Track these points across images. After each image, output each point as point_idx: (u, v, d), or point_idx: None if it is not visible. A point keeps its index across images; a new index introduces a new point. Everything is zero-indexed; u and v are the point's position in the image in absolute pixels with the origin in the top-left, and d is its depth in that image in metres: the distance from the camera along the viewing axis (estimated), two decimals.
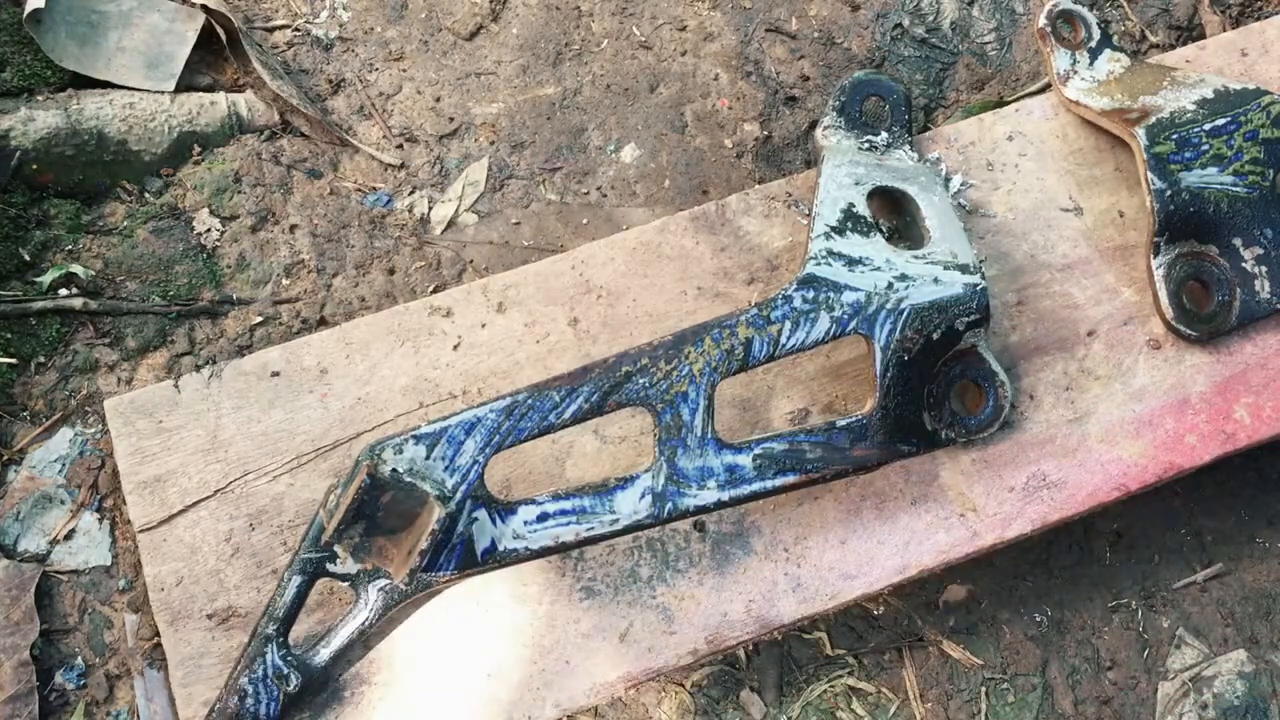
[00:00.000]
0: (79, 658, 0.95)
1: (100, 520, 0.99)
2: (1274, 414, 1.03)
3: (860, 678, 0.99)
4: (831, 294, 0.95)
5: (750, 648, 0.99)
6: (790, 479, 0.95)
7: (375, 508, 0.88)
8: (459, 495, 0.89)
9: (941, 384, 0.99)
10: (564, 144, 1.16)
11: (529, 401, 0.91)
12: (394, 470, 0.88)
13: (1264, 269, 1.04)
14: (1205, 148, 1.03)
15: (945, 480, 1.00)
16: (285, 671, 0.90)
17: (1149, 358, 1.04)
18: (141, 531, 0.95)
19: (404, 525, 0.88)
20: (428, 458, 0.90)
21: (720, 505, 0.95)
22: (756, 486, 0.94)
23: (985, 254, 1.07)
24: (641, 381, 0.92)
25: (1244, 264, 1.04)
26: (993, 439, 1.01)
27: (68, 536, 0.98)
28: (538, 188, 1.15)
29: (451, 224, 1.14)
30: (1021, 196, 1.09)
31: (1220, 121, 1.04)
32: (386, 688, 0.93)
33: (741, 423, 1.01)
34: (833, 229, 0.98)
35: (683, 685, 0.98)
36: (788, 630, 0.96)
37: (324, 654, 0.91)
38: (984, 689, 1.00)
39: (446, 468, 0.90)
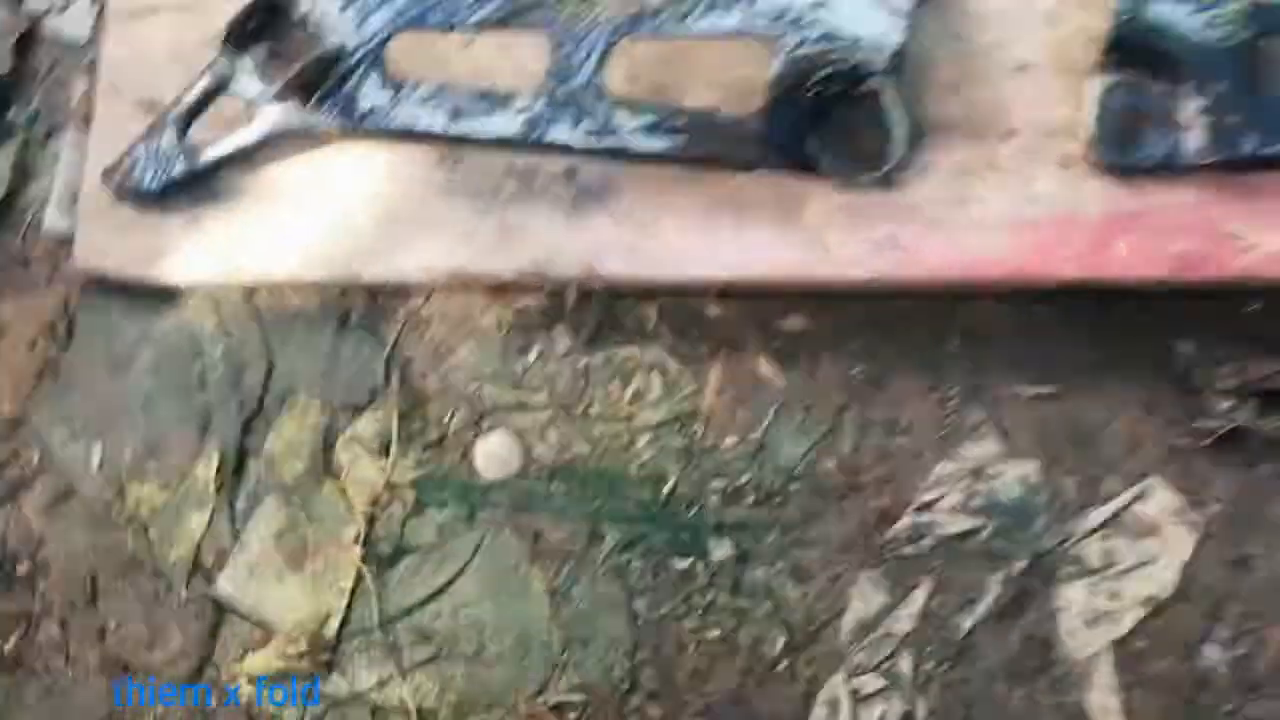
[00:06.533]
0: (34, 104, 1.10)
1: (92, 4, 1.13)
2: (1155, 257, 1.01)
3: (670, 357, 1.06)
4: None
5: (579, 297, 1.06)
6: (660, 144, 1.01)
7: (281, 36, 0.99)
8: (359, 52, 1.00)
9: (838, 119, 1.03)
10: None
11: None
12: (307, 14, 0.99)
13: (1204, 121, 1.02)
14: None
15: (809, 214, 1.03)
16: (174, 154, 1.03)
17: (1056, 172, 1.04)
18: (114, 21, 1.09)
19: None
20: (339, 13, 1.00)
21: (589, 151, 1.02)
22: (626, 142, 1.01)
23: (946, 32, 1.07)
24: (546, 11, 0.99)
25: (1185, 111, 1.02)
26: (868, 190, 1.04)
27: (63, 8, 1.13)
28: None
29: None
30: None
31: None
32: (255, 203, 1.05)
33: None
34: None
35: (510, 305, 1.06)
36: (610, 286, 1.04)
37: (210, 153, 1.03)
38: (776, 407, 1.05)
39: (354, 28, 1.00)
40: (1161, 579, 1.02)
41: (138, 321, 1.04)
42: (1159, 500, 1.04)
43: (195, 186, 1.04)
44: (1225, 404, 1.04)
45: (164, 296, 1.05)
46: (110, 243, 1.04)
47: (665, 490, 1.03)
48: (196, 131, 1.03)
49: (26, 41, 1.11)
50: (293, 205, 1.05)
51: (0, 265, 1.06)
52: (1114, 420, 1.06)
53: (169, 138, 1.02)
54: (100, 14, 1.13)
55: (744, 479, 1.03)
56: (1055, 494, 1.04)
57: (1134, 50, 1.02)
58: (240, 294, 1.05)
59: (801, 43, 0.98)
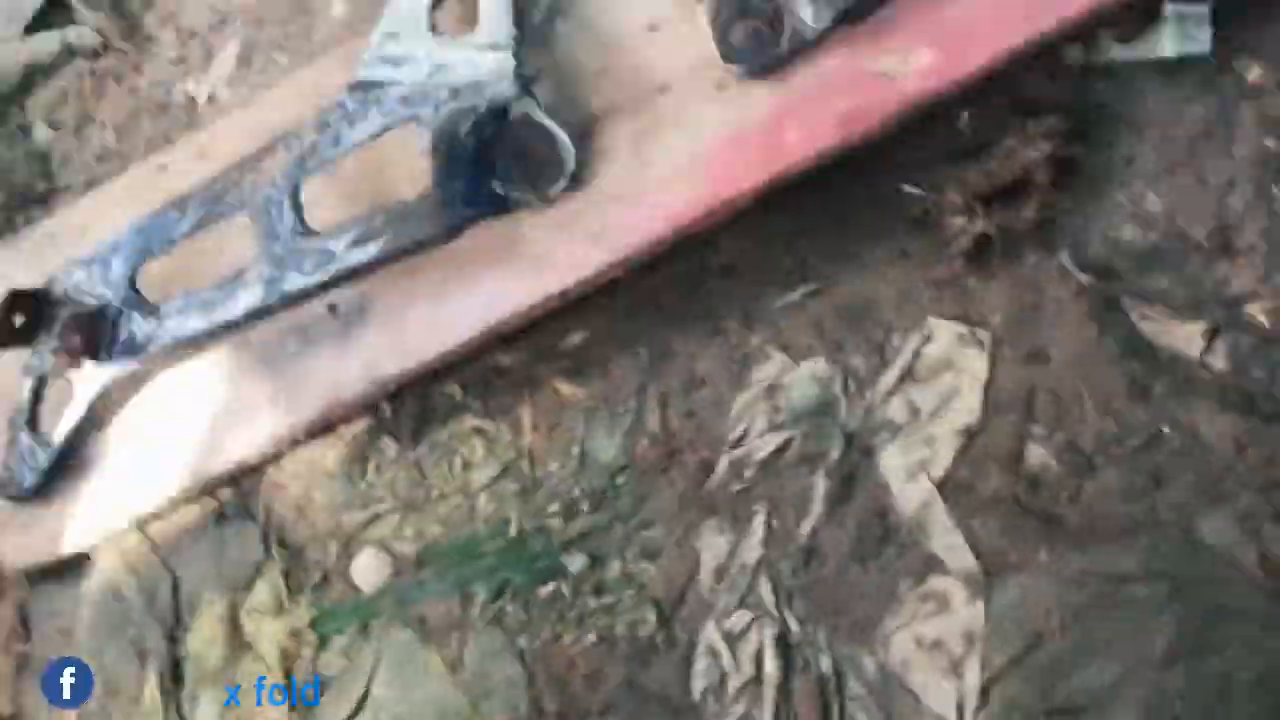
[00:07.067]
0: None
1: None
2: (824, 130, 1.05)
3: (483, 418, 1.15)
4: (379, 92, 1.10)
5: (396, 404, 1.17)
6: (371, 252, 1.12)
7: (54, 317, 1.16)
8: (116, 303, 1.16)
9: (508, 152, 1.11)
10: (291, 18, 1.37)
11: (152, 223, 1.15)
12: (65, 289, 1.16)
13: None
14: None
15: (526, 241, 1.12)
16: (35, 449, 1.20)
17: (716, 100, 1.10)
18: None
19: None
20: (89, 278, 1.16)
21: (323, 285, 1.14)
22: (346, 263, 1.12)
23: (577, 41, 1.15)
24: (234, 195, 1.13)
25: None
26: (568, 198, 1.11)
27: None
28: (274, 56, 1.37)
29: (211, 100, 1.38)
30: None
31: None
32: (115, 454, 1.21)
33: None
34: (388, 35, 1.12)
35: (342, 438, 1.18)
36: (396, 384, 1.14)
37: (56, 436, 1.20)
38: (583, 418, 1.12)
39: (103, 283, 1.16)
40: (968, 405, 1.03)
41: (71, 591, 1.21)
42: (943, 337, 1.06)
43: (63, 466, 1.22)
44: (963, 220, 1.05)
45: (81, 563, 1.22)
46: (18, 542, 1.22)
47: (512, 532, 1.11)
48: (46, 423, 1.21)
49: None
50: (139, 444, 1.20)
51: None
52: (877, 285, 1.09)
53: (25, 439, 1.20)
54: None
55: (576, 492, 1.11)
56: (847, 375, 1.07)
57: None
58: (134, 533, 1.21)
59: (436, 108, 1.08)
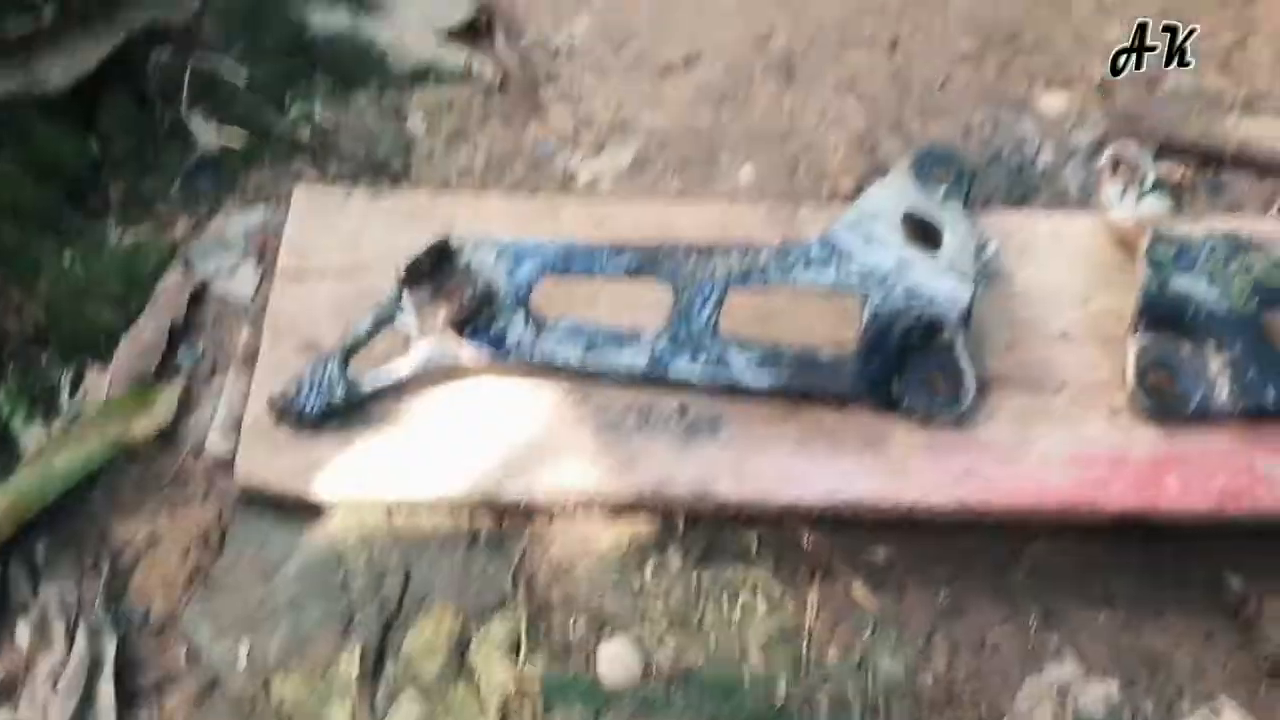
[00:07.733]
0: (200, 345, 1.24)
1: (256, 270, 1.29)
2: (1202, 495, 1.15)
3: (771, 579, 1.15)
4: (842, 257, 1.18)
5: (689, 523, 1.17)
6: (767, 378, 1.16)
7: (442, 278, 1.15)
8: (510, 298, 1.16)
9: (916, 366, 1.18)
10: (698, 158, 1.46)
11: (583, 250, 1.18)
12: (467, 261, 1.16)
13: (1228, 375, 1.18)
14: (1202, 262, 1.21)
15: (894, 445, 1.17)
16: (336, 382, 1.15)
17: (1105, 419, 1.20)
18: (281, 280, 1.25)
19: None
20: (494, 263, 1.17)
21: (705, 384, 1.16)
22: (737, 376, 1.16)
23: (995, 311, 1.25)
24: (671, 265, 1.17)
25: (1211, 366, 1.19)
26: (945, 430, 1.18)
27: (231, 272, 1.29)
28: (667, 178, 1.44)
29: (591, 185, 1.44)
30: (1043, 277, 1.28)
31: (1223, 250, 1.22)
32: (400, 428, 1.16)
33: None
34: (867, 214, 1.21)
35: (624, 529, 1.16)
36: (718, 507, 1.14)
37: (369, 383, 1.16)
38: (872, 627, 1.13)
39: (507, 275, 1.17)
40: None
41: (287, 533, 1.13)
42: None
43: (349, 411, 1.16)
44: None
45: (312, 511, 1.14)
46: (268, 461, 1.14)
47: (779, 698, 1.09)
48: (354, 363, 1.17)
49: (196, 298, 1.27)
50: (435, 430, 1.16)
51: (160, 485, 1.15)
52: (1174, 647, 1.15)
53: (333, 369, 1.15)
54: (264, 277, 1.29)
55: (850, 691, 1.10)
56: (1136, 712, 1.11)
57: (1161, 316, 1.20)
58: (381, 511, 1.14)
59: (885, 297, 1.16)
